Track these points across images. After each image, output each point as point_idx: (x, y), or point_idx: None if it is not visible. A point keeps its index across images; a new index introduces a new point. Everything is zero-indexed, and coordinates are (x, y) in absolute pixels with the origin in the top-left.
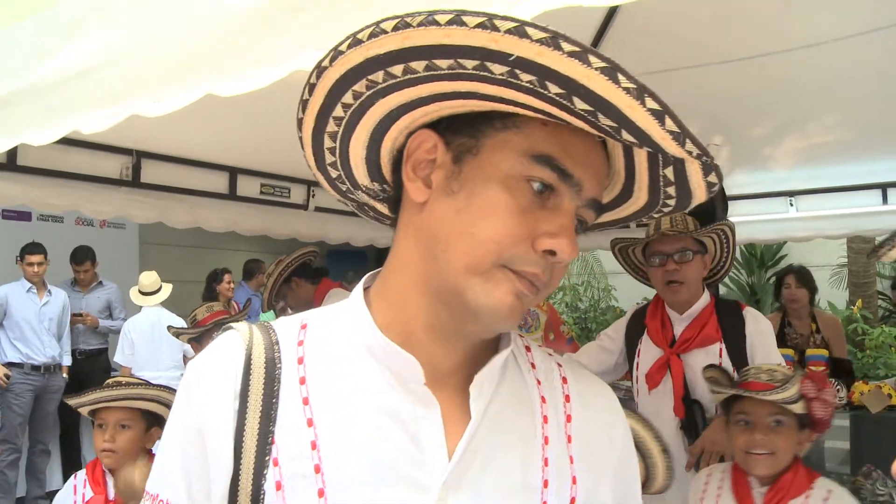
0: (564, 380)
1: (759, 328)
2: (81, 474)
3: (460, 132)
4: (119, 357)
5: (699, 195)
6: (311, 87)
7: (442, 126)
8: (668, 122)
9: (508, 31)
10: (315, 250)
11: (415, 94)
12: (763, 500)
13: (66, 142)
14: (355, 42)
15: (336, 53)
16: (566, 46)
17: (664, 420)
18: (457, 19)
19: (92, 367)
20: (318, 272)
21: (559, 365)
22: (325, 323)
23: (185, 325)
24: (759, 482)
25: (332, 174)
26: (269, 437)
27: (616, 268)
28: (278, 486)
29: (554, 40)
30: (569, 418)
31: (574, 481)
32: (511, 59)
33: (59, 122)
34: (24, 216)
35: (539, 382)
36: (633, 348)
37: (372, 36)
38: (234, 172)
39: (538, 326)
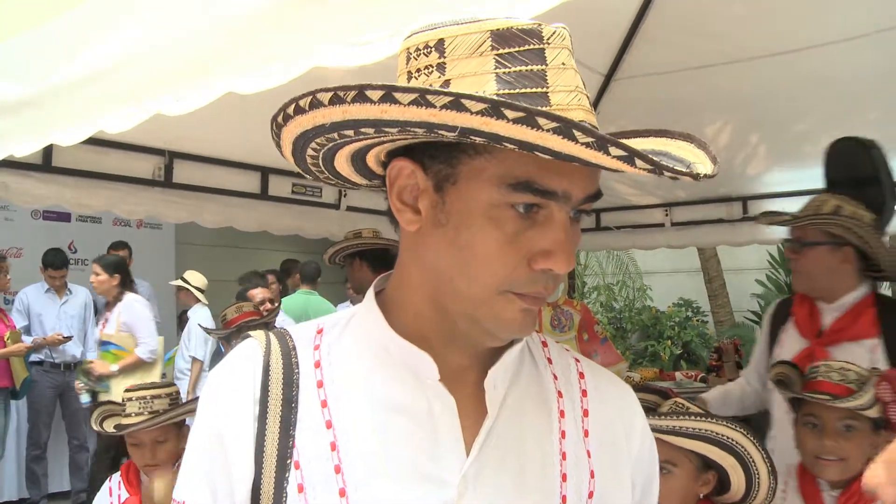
0: (581, 375)
1: None
2: (116, 476)
3: (435, 158)
4: (199, 352)
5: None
6: (278, 136)
7: (417, 151)
8: (640, 162)
9: (445, 107)
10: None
11: (376, 140)
12: None
13: (100, 143)
14: (299, 109)
15: (286, 116)
16: (510, 114)
17: None
18: (388, 97)
19: None
20: (385, 264)
21: (576, 360)
22: (340, 327)
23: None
24: (829, 486)
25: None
26: (289, 441)
27: (651, 267)
28: (300, 489)
29: (496, 110)
30: (586, 413)
31: (592, 475)
32: (457, 130)
33: (85, 123)
34: (63, 217)
35: (556, 377)
36: (774, 336)
37: (312, 106)
38: (265, 172)
39: (572, 327)
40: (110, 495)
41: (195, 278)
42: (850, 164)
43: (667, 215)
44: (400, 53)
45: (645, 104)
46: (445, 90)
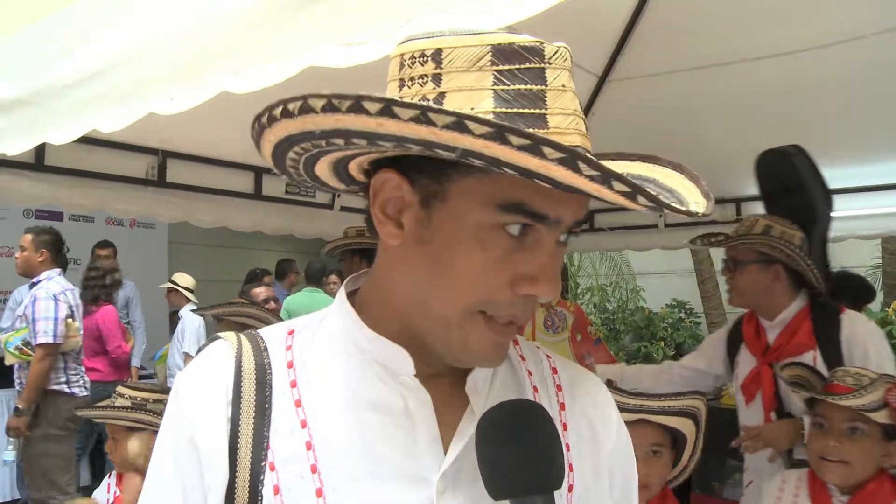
0: (554, 370)
1: (856, 331)
2: (115, 473)
3: (424, 172)
4: (192, 349)
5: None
6: (259, 136)
7: (404, 163)
8: (641, 199)
9: (447, 127)
10: None
11: (366, 150)
12: None
13: (93, 142)
14: (286, 113)
15: (271, 118)
16: (515, 140)
17: None
18: (387, 110)
19: None
20: None
21: (548, 357)
22: (311, 328)
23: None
24: (839, 490)
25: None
26: (263, 443)
27: (645, 269)
28: (276, 490)
29: (499, 134)
30: (563, 406)
31: (571, 468)
32: (457, 151)
33: (78, 122)
34: (55, 216)
35: (530, 373)
36: (733, 358)
37: (302, 111)
38: (259, 172)
39: (565, 328)
40: (108, 491)
41: (183, 279)
42: (777, 174)
43: (660, 216)
44: (392, 58)
45: (639, 106)
46: (449, 110)
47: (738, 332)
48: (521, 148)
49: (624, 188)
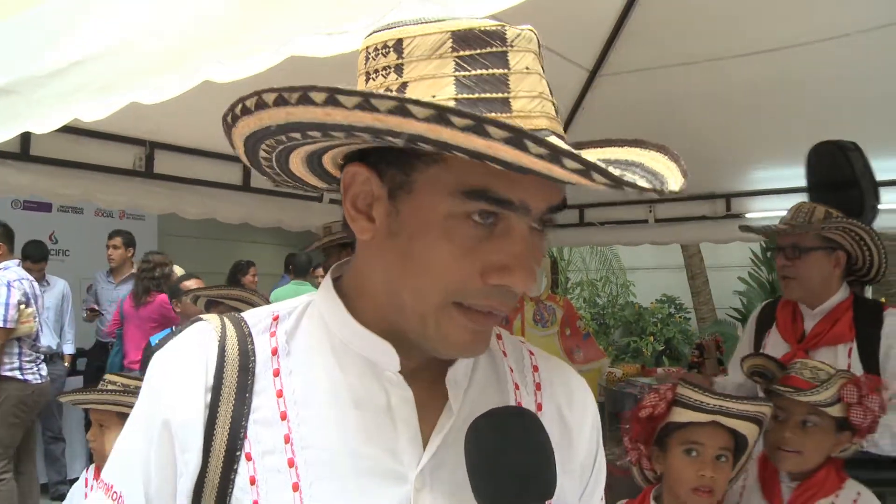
0: (535, 368)
1: None
2: (92, 467)
3: (391, 164)
4: None
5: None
6: (229, 136)
7: (373, 156)
8: (597, 176)
9: (390, 112)
10: None
11: (326, 144)
12: (791, 495)
13: (79, 132)
14: (245, 110)
15: (233, 116)
16: (458, 122)
17: None
18: (332, 99)
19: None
20: None
21: (531, 353)
22: (296, 315)
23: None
24: (788, 477)
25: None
26: (241, 432)
27: (635, 263)
28: (252, 481)
29: (442, 117)
30: (539, 407)
31: None
32: (404, 136)
33: (60, 111)
34: (44, 207)
35: (511, 370)
36: (759, 340)
37: (257, 107)
38: None
39: (554, 322)
40: (86, 485)
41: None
42: (830, 167)
43: (650, 212)
44: (360, 52)
45: (630, 100)
46: (391, 94)
47: (768, 315)
48: (465, 129)
49: (576, 165)
